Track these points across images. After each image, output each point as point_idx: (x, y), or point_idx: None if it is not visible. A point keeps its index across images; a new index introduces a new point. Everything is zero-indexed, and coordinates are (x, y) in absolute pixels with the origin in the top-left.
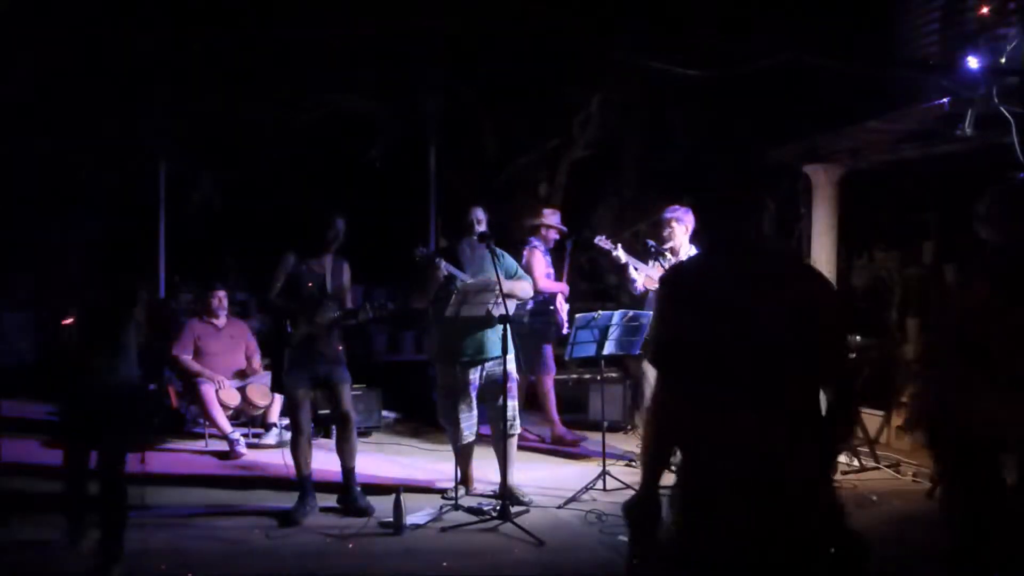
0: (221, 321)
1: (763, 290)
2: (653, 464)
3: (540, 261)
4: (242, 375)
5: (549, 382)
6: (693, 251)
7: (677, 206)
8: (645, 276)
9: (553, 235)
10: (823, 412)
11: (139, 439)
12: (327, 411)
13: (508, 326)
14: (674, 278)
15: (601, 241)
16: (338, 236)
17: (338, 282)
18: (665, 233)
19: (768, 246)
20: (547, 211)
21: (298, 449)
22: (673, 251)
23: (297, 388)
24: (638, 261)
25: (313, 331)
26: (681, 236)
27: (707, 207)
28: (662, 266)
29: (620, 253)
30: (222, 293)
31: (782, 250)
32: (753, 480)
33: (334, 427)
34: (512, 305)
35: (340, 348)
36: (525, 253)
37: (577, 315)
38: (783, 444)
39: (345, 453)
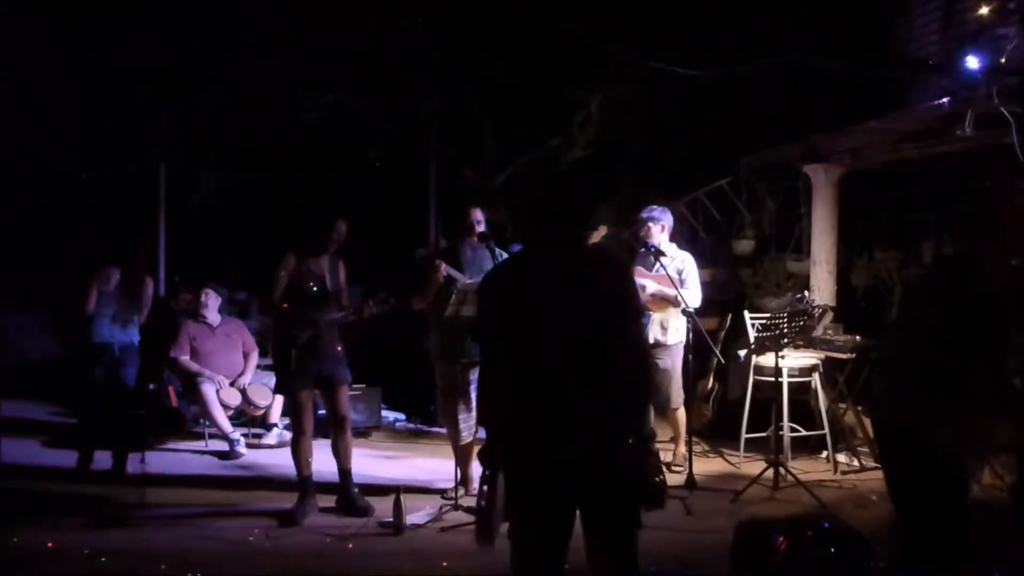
0: (215, 320)
1: (565, 279)
2: (491, 419)
3: None
4: (242, 395)
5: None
6: (673, 248)
7: (654, 206)
8: (651, 282)
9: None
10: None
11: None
12: (325, 411)
13: None
14: (493, 273)
15: None
16: (340, 238)
17: (336, 282)
18: (642, 233)
19: (574, 245)
20: None
21: (299, 449)
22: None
23: (301, 389)
24: (643, 267)
25: (316, 332)
26: (658, 235)
27: (523, 214)
28: (663, 267)
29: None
30: (209, 291)
31: (587, 249)
32: (552, 421)
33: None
34: None
35: (340, 348)
36: None
37: None
38: (575, 391)
39: (341, 454)
